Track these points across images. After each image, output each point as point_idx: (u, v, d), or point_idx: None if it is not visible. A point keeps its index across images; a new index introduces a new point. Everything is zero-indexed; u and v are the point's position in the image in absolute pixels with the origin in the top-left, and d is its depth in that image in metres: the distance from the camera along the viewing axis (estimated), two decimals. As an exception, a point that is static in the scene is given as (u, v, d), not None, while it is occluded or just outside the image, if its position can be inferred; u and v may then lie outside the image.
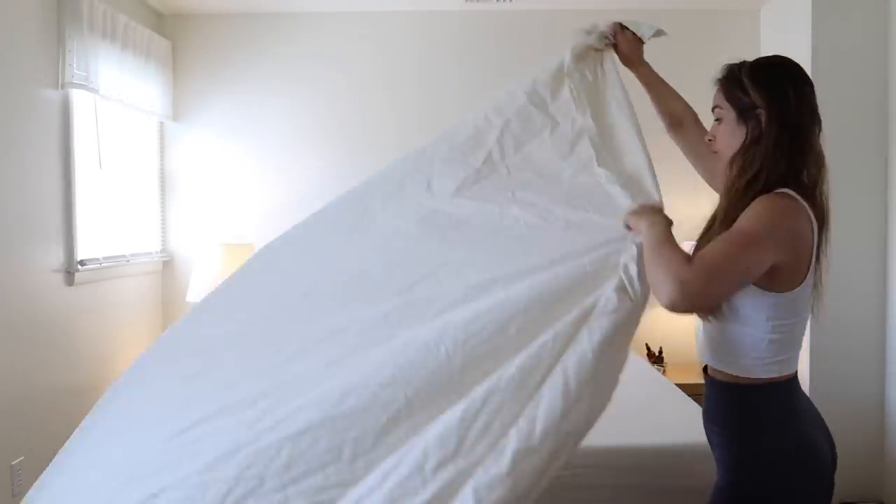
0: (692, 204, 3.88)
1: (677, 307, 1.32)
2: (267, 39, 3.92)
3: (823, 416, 1.54)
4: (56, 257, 2.94)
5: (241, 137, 3.94)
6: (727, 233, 1.38)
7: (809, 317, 1.49)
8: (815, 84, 1.61)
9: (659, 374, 3.13)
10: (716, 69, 1.62)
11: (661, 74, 2.32)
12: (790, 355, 1.45)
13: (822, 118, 1.62)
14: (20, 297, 2.71)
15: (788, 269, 1.39)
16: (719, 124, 1.54)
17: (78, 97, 3.08)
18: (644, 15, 3.93)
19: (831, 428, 1.55)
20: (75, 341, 3.08)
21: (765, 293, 1.40)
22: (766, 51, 3.77)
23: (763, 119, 1.45)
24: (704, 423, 1.56)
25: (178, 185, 3.95)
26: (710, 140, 1.60)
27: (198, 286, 3.56)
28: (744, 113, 1.48)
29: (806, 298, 1.44)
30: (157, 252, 3.85)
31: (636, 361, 3.17)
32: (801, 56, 3.31)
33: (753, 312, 1.42)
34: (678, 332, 3.81)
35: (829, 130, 3.61)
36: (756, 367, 1.44)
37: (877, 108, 3.23)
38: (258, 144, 3.94)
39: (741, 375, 1.46)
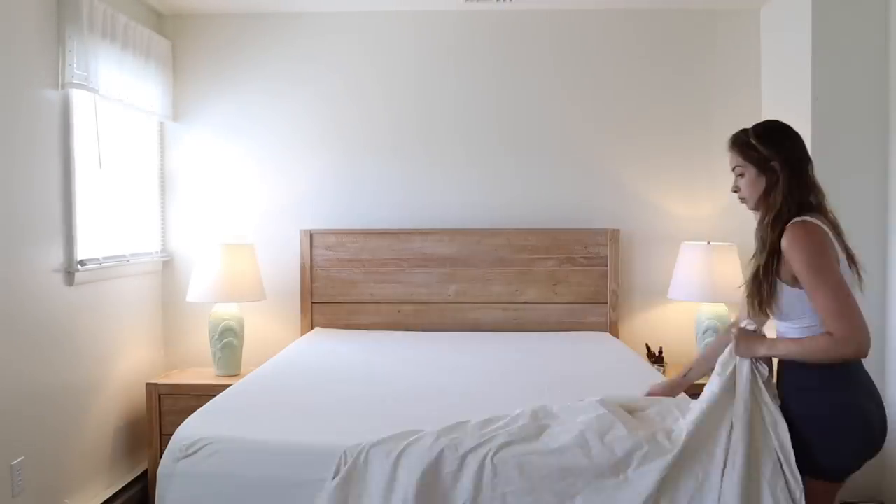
0: (692, 205, 3.89)
1: (865, 354, 1.82)
2: (267, 39, 3.92)
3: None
4: (56, 257, 2.94)
5: (241, 138, 3.94)
6: (814, 282, 1.81)
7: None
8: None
9: (659, 374, 3.12)
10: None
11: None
12: None
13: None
14: (20, 297, 2.71)
15: None
16: (742, 178, 2.00)
17: (78, 97, 3.08)
18: (644, 15, 3.98)
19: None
20: (75, 341, 3.08)
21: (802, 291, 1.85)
22: (767, 51, 3.77)
23: (778, 167, 1.92)
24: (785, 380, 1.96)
25: (178, 185, 3.95)
26: (736, 191, 2.05)
27: (198, 286, 3.56)
28: (761, 166, 1.95)
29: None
30: (157, 252, 3.85)
31: (636, 361, 3.17)
32: (802, 56, 3.31)
33: (801, 305, 1.86)
34: (678, 332, 3.82)
35: (829, 131, 3.62)
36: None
37: (877, 107, 3.23)
38: (258, 144, 3.94)
39: None
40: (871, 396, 1.88)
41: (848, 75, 3.23)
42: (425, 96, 3.92)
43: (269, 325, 3.93)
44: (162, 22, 3.89)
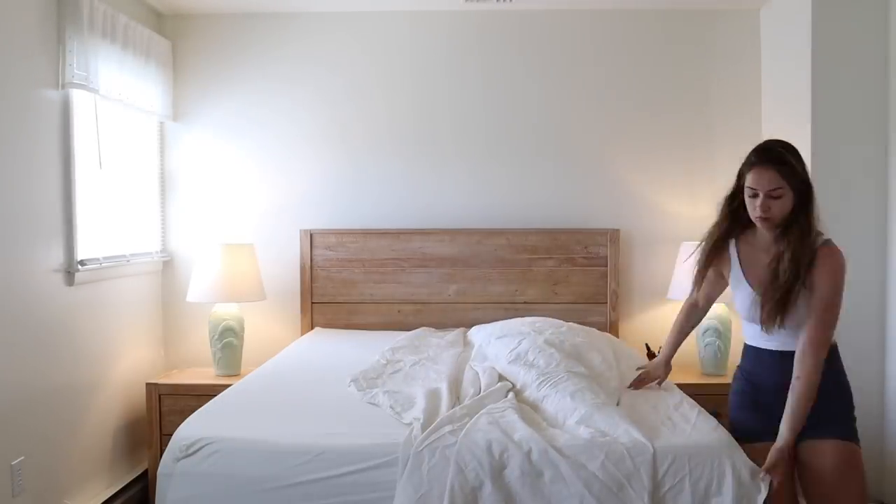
0: (692, 205, 3.89)
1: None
2: (267, 39, 3.92)
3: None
4: (56, 257, 2.94)
5: (241, 138, 3.94)
6: (831, 304, 1.92)
7: None
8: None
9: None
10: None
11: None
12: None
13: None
14: (20, 297, 2.71)
15: None
16: (777, 200, 1.92)
17: (78, 97, 3.09)
18: (644, 15, 3.98)
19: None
20: (75, 341, 3.08)
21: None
22: (766, 51, 3.77)
23: (805, 188, 1.92)
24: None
25: (178, 185, 3.96)
26: (765, 213, 1.95)
27: (198, 286, 3.56)
28: (798, 186, 1.91)
29: None
30: (157, 252, 3.85)
31: (637, 361, 3.16)
32: (802, 56, 3.31)
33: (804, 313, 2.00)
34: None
35: (828, 130, 3.62)
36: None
37: (877, 107, 3.23)
38: (258, 145, 3.94)
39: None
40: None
41: (848, 75, 3.23)
42: (425, 96, 3.92)
43: (269, 325, 3.93)
44: (162, 22, 3.89)
